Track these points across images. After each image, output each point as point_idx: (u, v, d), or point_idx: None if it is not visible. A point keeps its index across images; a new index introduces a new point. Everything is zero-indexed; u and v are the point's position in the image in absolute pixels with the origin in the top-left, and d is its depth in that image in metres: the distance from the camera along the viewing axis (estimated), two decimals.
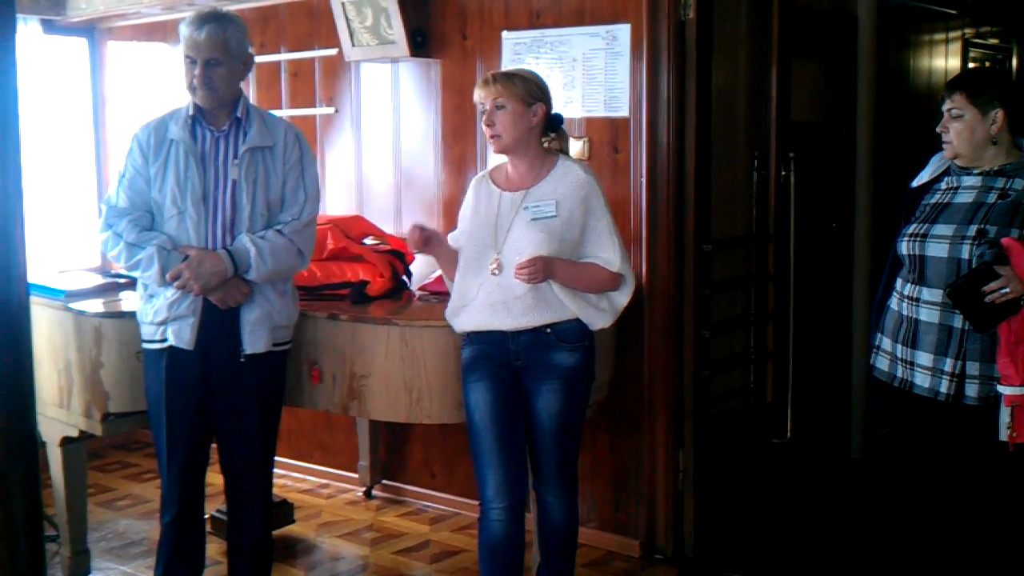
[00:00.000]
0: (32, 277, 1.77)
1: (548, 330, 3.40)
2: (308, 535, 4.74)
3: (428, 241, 3.49)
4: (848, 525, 4.69)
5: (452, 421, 3.79)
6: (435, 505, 4.98)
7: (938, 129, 3.20)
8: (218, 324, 3.49)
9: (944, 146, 3.22)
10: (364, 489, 5.18)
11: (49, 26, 5.74)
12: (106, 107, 6.08)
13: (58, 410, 3.95)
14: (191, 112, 3.51)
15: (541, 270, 3.28)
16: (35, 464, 1.71)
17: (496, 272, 3.40)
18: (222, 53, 3.47)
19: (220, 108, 3.52)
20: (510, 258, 3.37)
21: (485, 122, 3.43)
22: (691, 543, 4.38)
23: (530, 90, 3.42)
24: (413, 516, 4.92)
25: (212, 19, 3.49)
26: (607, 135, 4.30)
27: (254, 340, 3.52)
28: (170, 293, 3.46)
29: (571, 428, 3.48)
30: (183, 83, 3.52)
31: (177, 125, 3.50)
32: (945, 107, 3.18)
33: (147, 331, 3.54)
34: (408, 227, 3.57)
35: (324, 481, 5.39)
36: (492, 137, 3.43)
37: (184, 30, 3.49)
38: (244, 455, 3.62)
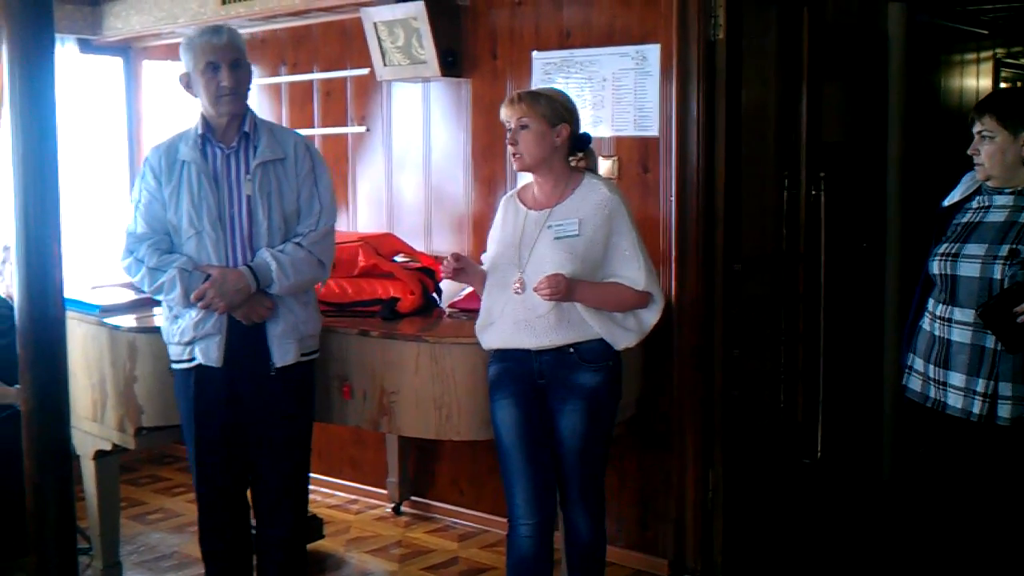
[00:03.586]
0: (67, 292, 1.79)
1: (571, 350, 3.39)
2: (337, 550, 4.76)
3: (461, 271, 3.49)
4: (878, 546, 4.65)
5: (481, 438, 3.80)
6: (463, 522, 4.98)
7: (969, 151, 3.20)
8: (245, 340, 3.51)
9: (976, 168, 3.21)
10: (393, 505, 5.19)
11: (85, 45, 5.84)
12: (141, 125, 6.16)
13: (92, 424, 3.99)
14: (200, 131, 3.51)
15: (562, 288, 3.24)
16: (69, 477, 1.73)
17: (519, 291, 3.39)
18: (242, 56, 3.51)
19: (234, 120, 3.51)
20: (533, 277, 3.35)
21: (509, 141, 3.43)
22: (720, 563, 4.36)
23: (555, 110, 3.40)
24: (441, 532, 4.93)
25: (223, 26, 3.55)
26: (637, 154, 4.31)
27: (283, 352, 3.54)
28: (195, 313, 3.47)
29: (595, 448, 3.47)
30: (203, 99, 3.49)
31: (187, 146, 3.50)
32: (975, 129, 3.17)
33: (174, 351, 3.57)
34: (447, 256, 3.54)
35: (353, 497, 5.41)
36: (514, 156, 3.43)
37: (198, 40, 3.47)
38: (277, 469, 3.63)
